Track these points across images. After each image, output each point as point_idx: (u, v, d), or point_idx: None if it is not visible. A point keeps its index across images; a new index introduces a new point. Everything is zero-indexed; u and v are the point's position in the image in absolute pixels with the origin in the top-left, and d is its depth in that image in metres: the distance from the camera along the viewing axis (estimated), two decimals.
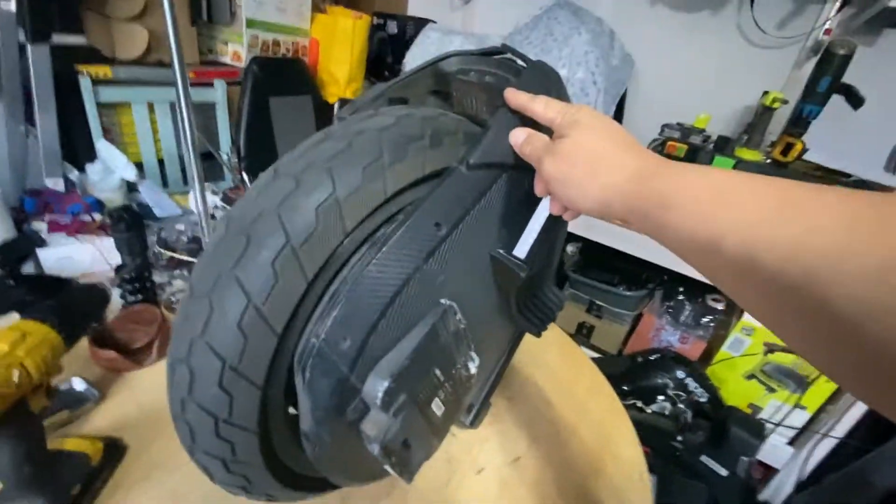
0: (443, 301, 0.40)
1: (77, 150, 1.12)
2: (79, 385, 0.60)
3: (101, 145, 1.09)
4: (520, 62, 0.46)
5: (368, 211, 0.34)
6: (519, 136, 0.39)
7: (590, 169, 0.31)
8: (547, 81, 0.43)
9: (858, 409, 1.10)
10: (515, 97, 0.39)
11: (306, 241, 0.31)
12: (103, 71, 1.11)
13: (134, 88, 1.19)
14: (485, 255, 0.43)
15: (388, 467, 0.38)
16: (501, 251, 0.43)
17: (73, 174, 1.09)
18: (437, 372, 0.41)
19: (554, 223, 0.43)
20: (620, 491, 0.61)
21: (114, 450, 0.53)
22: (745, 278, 0.21)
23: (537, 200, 0.43)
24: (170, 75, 0.74)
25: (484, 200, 0.40)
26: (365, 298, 0.34)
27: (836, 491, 1.24)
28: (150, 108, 1.23)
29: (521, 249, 0.43)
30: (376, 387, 0.35)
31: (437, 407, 0.43)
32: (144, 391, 0.63)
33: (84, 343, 0.62)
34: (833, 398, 1.17)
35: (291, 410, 0.39)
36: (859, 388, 0.18)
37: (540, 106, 0.37)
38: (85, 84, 1.08)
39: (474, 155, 0.38)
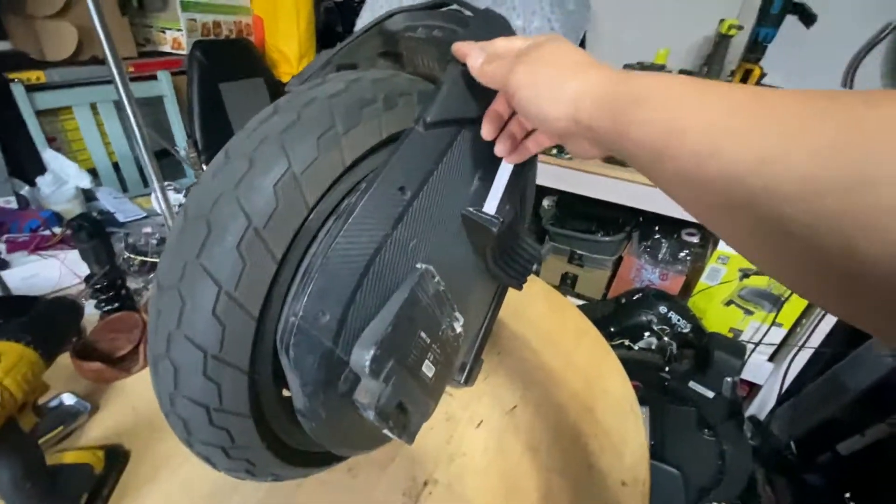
0: (419, 265, 0.41)
1: (23, 163, 1.06)
2: (69, 400, 0.60)
3: (49, 155, 1.04)
4: (466, 12, 0.45)
5: (329, 182, 0.33)
6: (477, 58, 0.35)
7: (570, 66, 0.30)
8: (496, 28, 0.42)
9: (830, 319, 1.16)
10: (461, 49, 0.38)
11: (269, 220, 0.30)
12: (35, 75, 1.04)
13: (72, 90, 1.12)
14: (455, 214, 0.43)
15: (387, 431, 0.39)
16: (471, 209, 0.43)
17: (24, 189, 1.04)
18: (423, 335, 0.42)
19: (521, 172, 0.43)
20: (614, 423, 0.65)
21: (116, 456, 0.53)
22: (702, 181, 0.21)
23: None
24: (109, 72, 0.70)
25: (446, 159, 0.39)
26: (338, 271, 0.33)
27: (814, 398, 1.33)
28: (94, 109, 1.17)
29: (491, 204, 0.43)
30: (363, 355, 0.35)
31: (428, 368, 0.44)
32: (138, 397, 0.63)
33: (68, 359, 0.61)
34: (806, 312, 1.24)
35: (285, 392, 0.40)
36: (829, 302, 0.19)
37: (502, 45, 0.35)
38: (18, 91, 1.01)
39: (430, 113, 0.37)
